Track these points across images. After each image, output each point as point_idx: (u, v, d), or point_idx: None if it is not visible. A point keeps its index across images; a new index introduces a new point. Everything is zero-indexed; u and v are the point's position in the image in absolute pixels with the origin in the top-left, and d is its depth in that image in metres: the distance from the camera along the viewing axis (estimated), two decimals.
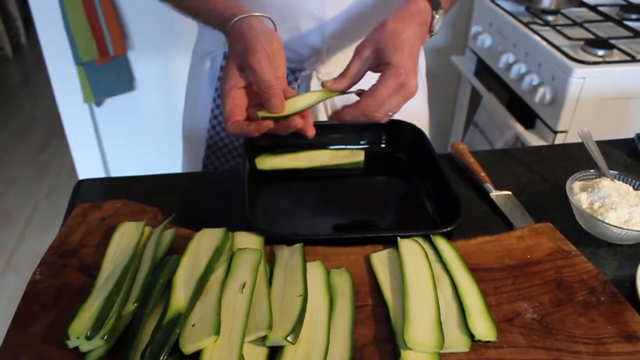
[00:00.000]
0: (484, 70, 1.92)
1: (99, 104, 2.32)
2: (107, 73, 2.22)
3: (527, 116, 1.66)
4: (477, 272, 0.67)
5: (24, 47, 4.27)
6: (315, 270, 0.65)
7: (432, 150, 0.89)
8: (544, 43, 1.58)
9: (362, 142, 0.96)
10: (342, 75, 0.75)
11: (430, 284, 0.63)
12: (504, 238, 0.73)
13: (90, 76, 2.20)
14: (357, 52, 0.75)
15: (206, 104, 1.06)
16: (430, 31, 0.79)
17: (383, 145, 0.97)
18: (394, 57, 0.72)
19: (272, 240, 0.70)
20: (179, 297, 0.59)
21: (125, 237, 0.70)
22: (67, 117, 2.36)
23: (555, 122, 1.54)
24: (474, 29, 1.94)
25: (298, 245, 0.68)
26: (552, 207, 0.87)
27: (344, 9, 0.93)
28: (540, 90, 1.54)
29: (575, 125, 1.52)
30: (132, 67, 2.24)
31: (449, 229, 0.72)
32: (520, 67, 1.66)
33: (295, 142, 0.93)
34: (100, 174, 2.49)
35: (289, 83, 0.99)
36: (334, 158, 0.93)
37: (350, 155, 0.94)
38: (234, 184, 0.85)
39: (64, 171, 2.99)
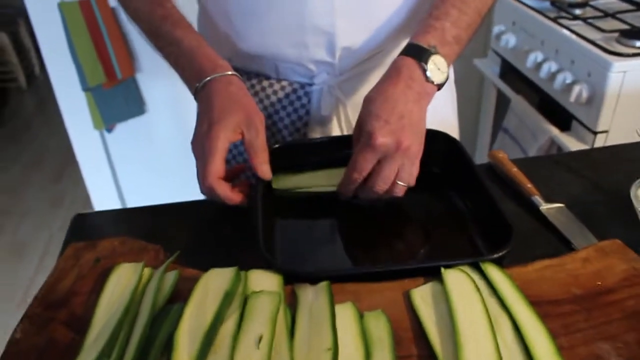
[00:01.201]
0: (510, 72, 1.80)
1: (109, 130, 2.25)
2: (116, 97, 2.15)
3: (561, 118, 1.54)
4: (540, 305, 0.55)
5: (38, 77, 4.25)
6: (346, 314, 0.54)
7: (470, 162, 0.78)
8: (576, 37, 1.46)
9: None
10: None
11: (487, 325, 0.52)
12: (566, 261, 0.62)
13: (98, 101, 2.14)
14: (354, 140, 0.73)
15: None
16: (431, 82, 0.71)
17: None
18: (367, 123, 0.68)
19: (293, 278, 0.60)
20: (182, 357, 0.48)
21: (122, 281, 0.60)
22: (78, 145, 2.30)
23: (594, 122, 1.42)
24: (496, 29, 1.83)
25: (324, 284, 0.58)
26: (613, 219, 0.75)
27: (357, 21, 0.84)
28: (576, 89, 1.42)
29: (617, 124, 1.40)
30: (141, 90, 2.18)
31: (500, 254, 0.61)
32: (551, 66, 1.54)
33: (315, 159, 0.83)
34: (114, 202, 2.43)
35: (299, 98, 0.91)
36: None
37: None
38: (247, 212, 0.75)
39: (79, 201, 2.93)
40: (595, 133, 1.42)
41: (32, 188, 3.08)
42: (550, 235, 0.73)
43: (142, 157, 2.30)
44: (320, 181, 0.81)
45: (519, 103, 1.70)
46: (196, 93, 0.74)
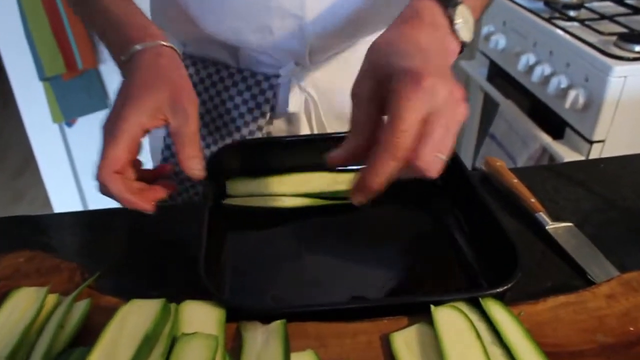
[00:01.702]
0: (498, 75, 1.69)
1: (70, 124, 2.09)
2: (77, 89, 2.00)
3: (554, 125, 1.42)
4: (557, 358, 0.43)
5: (4, 70, 4.06)
6: None
7: (463, 170, 0.65)
8: (572, 39, 1.35)
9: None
10: (347, 139, 0.51)
11: None
12: (586, 298, 0.49)
13: (57, 93, 1.99)
14: (354, 94, 0.51)
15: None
16: (456, 37, 0.53)
17: None
18: (403, 61, 0.47)
19: (239, 314, 0.46)
20: None
21: (16, 313, 0.46)
22: (36, 140, 2.15)
23: (590, 130, 1.30)
24: (485, 29, 1.72)
25: (278, 324, 0.44)
26: (630, 242, 0.64)
27: (330, 5, 0.70)
28: (571, 94, 1.31)
29: (614, 133, 1.29)
30: (104, 82, 2.03)
31: (506, 287, 0.48)
32: (544, 69, 1.43)
33: (281, 163, 0.70)
34: (75, 201, 2.28)
35: (262, 92, 0.77)
36: (333, 183, 0.68)
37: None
38: (191, 224, 0.61)
39: (39, 199, 2.76)
40: (591, 142, 1.31)
41: None
42: (559, 261, 0.60)
43: None
44: (287, 188, 0.68)
45: (508, 108, 1.59)
46: (122, 68, 0.60)
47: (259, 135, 0.77)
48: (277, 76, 0.76)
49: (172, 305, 0.45)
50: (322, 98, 0.79)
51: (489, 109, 1.77)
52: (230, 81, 0.77)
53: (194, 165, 0.55)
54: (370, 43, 0.51)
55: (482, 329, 0.45)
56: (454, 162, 0.67)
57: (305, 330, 0.44)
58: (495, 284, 0.49)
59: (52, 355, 0.42)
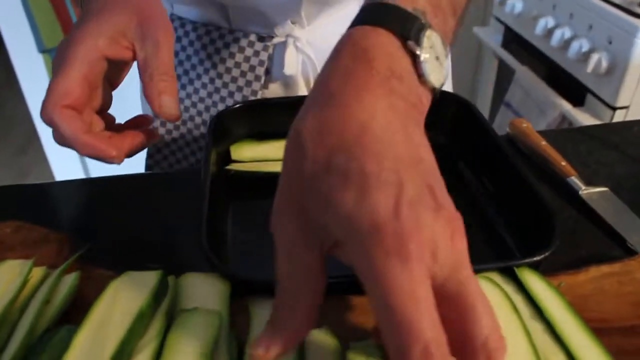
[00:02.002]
0: (514, 41, 1.62)
1: None
2: None
3: (574, 91, 1.36)
4: (609, 335, 0.38)
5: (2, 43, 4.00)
6: (321, 347, 0.36)
7: (489, 130, 0.60)
8: (596, 0, 1.28)
9: None
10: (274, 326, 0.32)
11: None
12: (632, 268, 0.44)
13: None
14: (276, 233, 0.33)
15: None
16: (424, 83, 0.34)
17: None
18: (352, 207, 0.28)
19: (246, 288, 0.41)
20: None
21: (0, 286, 0.42)
22: (37, 114, 2.09)
23: (613, 96, 1.24)
24: None
25: None
26: None
27: None
28: (594, 58, 1.24)
29: (639, 98, 1.22)
30: None
31: (543, 255, 0.43)
32: (564, 32, 1.36)
33: (286, 128, 0.64)
34: (79, 176, 2.23)
35: (257, 54, 0.70)
36: None
37: None
38: (192, 192, 0.56)
39: (44, 177, 2.72)
40: (614, 109, 1.25)
41: None
42: (594, 229, 0.55)
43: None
44: None
45: (524, 74, 1.52)
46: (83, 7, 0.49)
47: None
48: (272, 37, 0.70)
49: (171, 278, 0.40)
50: (321, 58, 0.73)
51: (503, 77, 1.70)
52: (221, 43, 0.71)
53: (166, 103, 0.46)
54: None
55: (519, 302, 0.40)
56: (476, 125, 0.62)
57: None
58: (530, 252, 0.43)
59: (37, 333, 0.37)
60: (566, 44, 1.35)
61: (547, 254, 0.43)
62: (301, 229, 0.30)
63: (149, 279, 0.38)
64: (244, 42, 0.70)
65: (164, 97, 0.46)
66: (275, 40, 0.70)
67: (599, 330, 0.38)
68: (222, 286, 0.40)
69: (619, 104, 1.24)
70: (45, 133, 2.14)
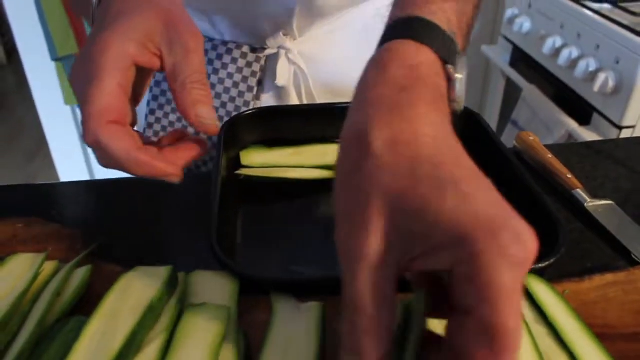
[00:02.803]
0: (522, 60, 1.63)
1: None
2: None
3: (581, 110, 1.37)
4: (609, 341, 0.38)
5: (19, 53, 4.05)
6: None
7: (497, 142, 0.61)
8: (602, 19, 1.29)
9: None
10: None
11: None
12: (636, 277, 0.45)
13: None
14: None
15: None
16: (456, 103, 0.37)
17: None
18: (459, 213, 0.28)
19: (255, 285, 0.42)
20: None
21: (11, 280, 0.42)
22: (48, 122, 2.12)
23: (619, 115, 1.25)
24: (509, 12, 1.66)
25: (315, 305, 0.39)
26: None
27: None
28: (601, 77, 1.25)
29: None
30: None
31: (548, 262, 0.43)
32: (572, 52, 1.37)
33: (298, 134, 0.66)
34: None
35: (249, 65, 0.70)
36: None
37: None
38: (202, 195, 0.56)
39: (52, 181, 2.73)
40: (620, 128, 1.26)
41: (5, 167, 2.89)
42: (599, 241, 0.56)
43: None
44: (305, 159, 0.64)
45: (531, 93, 1.53)
46: (95, 17, 0.44)
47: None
48: (264, 49, 0.71)
49: (181, 275, 0.41)
50: (312, 70, 0.73)
51: (511, 95, 1.71)
52: (214, 54, 0.71)
53: (205, 114, 0.41)
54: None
55: (524, 307, 0.40)
56: (484, 137, 0.62)
57: (327, 304, 0.40)
58: (535, 260, 0.44)
59: (48, 324, 0.38)
60: (573, 63, 1.36)
61: (552, 260, 0.43)
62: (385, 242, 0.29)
63: (160, 273, 0.39)
64: (236, 54, 0.71)
65: (200, 107, 0.41)
66: (268, 52, 0.71)
67: (603, 336, 0.38)
68: (231, 283, 0.41)
69: (625, 123, 1.24)
70: (54, 139, 2.16)
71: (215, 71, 0.71)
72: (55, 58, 1.88)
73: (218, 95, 0.72)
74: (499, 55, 1.74)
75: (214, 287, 0.40)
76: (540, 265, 0.43)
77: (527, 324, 0.38)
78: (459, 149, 0.31)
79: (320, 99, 0.75)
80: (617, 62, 1.24)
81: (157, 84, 0.73)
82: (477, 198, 0.28)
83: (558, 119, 1.40)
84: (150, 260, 0.44)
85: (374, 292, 0.28)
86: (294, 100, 0.74)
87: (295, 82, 0.73)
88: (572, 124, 1.36)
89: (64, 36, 1.85)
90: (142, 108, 0.76)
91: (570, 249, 0.54)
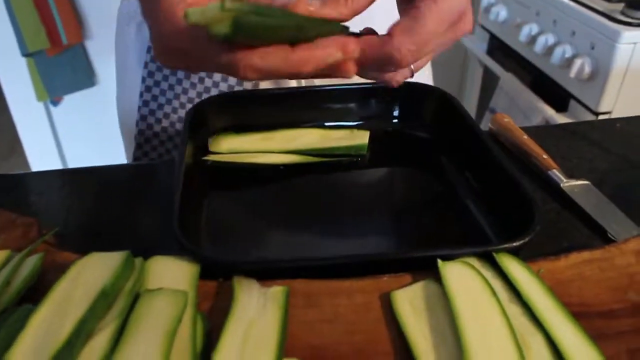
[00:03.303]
0: (499, 48, 1.63)
1: (55, 102, 2.01)
2: (62, 66, 1.92)
3: (557, 97, 1.36)
4: (588, 319, 0.37)
5: None
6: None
7: (472, 124, 0.59)
8: (578, 6, 1.29)
9: (365, 117, 0.66)
10: None
11: (511, 346, 0.33)
12: (612, 255, 0.43)
13: (41, 70, 1.91)
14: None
15: (134, 86, 0.74)
16: None
17: (395, 121, 0.66)
18: None
19: (220, 269, 0.40)
20: None
21: None
22: (20, 119, 2.07)
23: (595, 101, 1.24)
24: (485, 1, 1.66)
25: (279, 290, 0.37)
26: None
27: None
28: (577, 63, 1.25)
29: (622, 103, 1.23)
30: (91, 59, 1.95)
31: (523, 240, 0.42)
32: (548, 39, 1.37)
33: (269, 119, 0.64)
34: None
35: None
36: (325, 140, 0.62)
37: (349, 136, 0.63)
38: (168, 183, 0.54)
39: None
40: (596, 114, 1.25)
41: None
42: (575, 220, 0.54)
43: (92, 135, 2.06)
44: (275, 144, 0.62)
45: (509, 81, 1.53)
46: None
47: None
48: None
49: (138, 260, 0.39)
50: None
51: (488, 83, 1.71)
52: None
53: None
54: None
55: (498, 287, 0.39)
56: (458, 119, 0.61)
57: (293, 288, 0.38)
58: (509, 239, 0.42)
59: None
60: (550, 50, 1.35)
61: (526, 239, 0.42)
62: None
63: (114, 259, 0.37)
64: None
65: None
66: None
67: (580, 315, 0.37)
68: (190, 268, 0.39)
69: (601, 109, 1.24)
70: (27, 139, 2.11)
71: None
72: (25, 53, 1.84)
73: (210, 75, 0.69)
74: (476, 45, 1.73)
75: (173, 272, 0.38)
76: (514, 244, 0.41)
77: (500, 304, 0.36)
78: None
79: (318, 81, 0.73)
80: (593, 48, 1.24)
81: (150, 74, 0.71)
82: None
83: (535, 106, 1.40)
84: (108, 246, 0.42)
85: None
86: (291, 82, 0.71)
87: None
88: (549, 111, 1.35)
89: (33, 30, 1.81)
90: (133, 102, 0.74)
91: (546, 229, 0.52)
